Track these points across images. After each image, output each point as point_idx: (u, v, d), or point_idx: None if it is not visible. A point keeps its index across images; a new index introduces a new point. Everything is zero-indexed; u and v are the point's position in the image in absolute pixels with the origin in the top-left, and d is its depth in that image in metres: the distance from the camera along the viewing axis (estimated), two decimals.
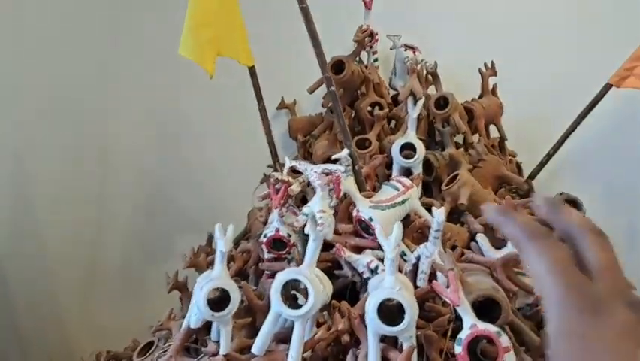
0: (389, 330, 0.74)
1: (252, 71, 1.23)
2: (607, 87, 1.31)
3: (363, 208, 0.97)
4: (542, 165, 1.40)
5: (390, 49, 1.54)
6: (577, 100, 1.37)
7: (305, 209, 0.83)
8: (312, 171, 0.94)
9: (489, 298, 0.82)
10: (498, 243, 1.01)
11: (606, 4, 1.57)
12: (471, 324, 0.73)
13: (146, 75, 1.66)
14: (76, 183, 1.68)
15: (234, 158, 1.66)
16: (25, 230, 1.64)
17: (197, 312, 0.84)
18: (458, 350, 0.72)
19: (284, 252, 1.00)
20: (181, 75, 1.45)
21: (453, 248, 0.99)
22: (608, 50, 1.38)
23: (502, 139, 1.46)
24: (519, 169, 1.44)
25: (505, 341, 0.73)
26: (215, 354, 0.84)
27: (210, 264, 1.09)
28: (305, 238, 0.92)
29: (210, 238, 1.36)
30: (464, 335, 0.73)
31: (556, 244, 0.34)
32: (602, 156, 1.57)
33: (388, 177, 1.19)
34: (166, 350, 0.93)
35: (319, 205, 0.84)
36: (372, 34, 1.50)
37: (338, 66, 1.35)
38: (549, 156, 1.39)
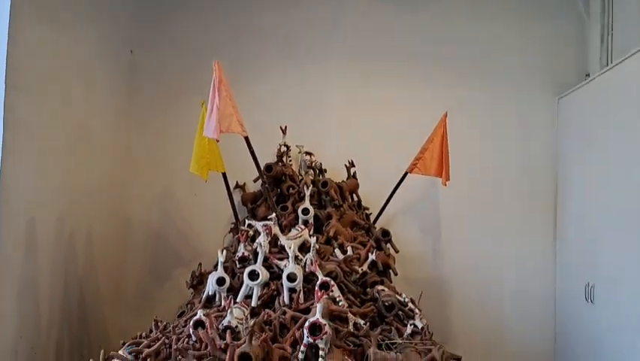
0: (292, 285, 1.89)
1: (225, 176, 2.39)
2: (405, 174, 2.58)
3: (283, 240, 2.13)
4: (379, 215, 2.65)
5: (298, 153, 2.78)
6: (396, 179, 2.63)
7: (256, 241, 1.98)
8: (259, 225, 2.11)
9: (334, 271, 2.00)
10: (344, 252, 2.20)
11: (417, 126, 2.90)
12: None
13: (157, 173, 2.81)
14: (113, 238, 2.75)
15: (211, 217, 2.81)
16: (90, 260, 2.63)
17: (211, 287, 1.95)
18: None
19: (246, 263, 2.13)
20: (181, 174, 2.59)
21: (323, 257, 2.18)
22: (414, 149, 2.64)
23: (359, 201, 2.70)
24: (367, 217, 2.67)
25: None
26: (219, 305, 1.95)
27: (207, 273, 2.21)
28: (255, 254, 2.07)
29: (200, 265, 2.46)
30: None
31: None
32: (411, 209, 2.85)
33: (295, 225, 2.38)
34: (194, 310, 2.01)
35: (263, 239, 2.00)
36: (287, 147, 2.73)
37: (269, 168, 2.54)
38: (381, 210, 2.64)
